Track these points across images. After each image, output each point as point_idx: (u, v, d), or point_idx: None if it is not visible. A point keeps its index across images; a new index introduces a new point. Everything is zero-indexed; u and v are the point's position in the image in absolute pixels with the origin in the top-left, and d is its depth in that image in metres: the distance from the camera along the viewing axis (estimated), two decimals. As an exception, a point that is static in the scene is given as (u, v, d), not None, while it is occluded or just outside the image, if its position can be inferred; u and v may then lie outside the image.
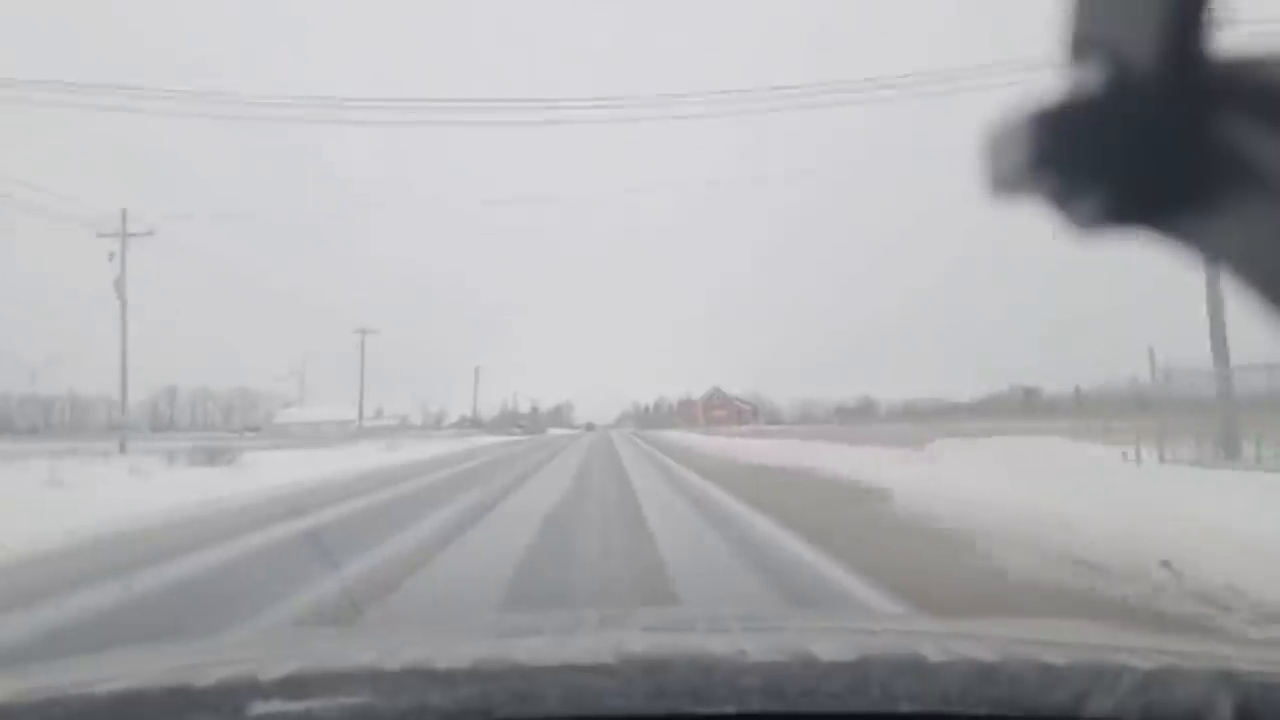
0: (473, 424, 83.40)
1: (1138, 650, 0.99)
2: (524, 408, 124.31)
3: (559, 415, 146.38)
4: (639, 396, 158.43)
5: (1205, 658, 1.00)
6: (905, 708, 0.84)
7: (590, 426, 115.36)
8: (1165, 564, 4.82)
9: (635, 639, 1.08)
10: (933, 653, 0.92)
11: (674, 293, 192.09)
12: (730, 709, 0.86)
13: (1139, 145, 0.34)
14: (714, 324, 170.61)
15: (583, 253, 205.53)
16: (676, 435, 49.40)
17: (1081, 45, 0.35)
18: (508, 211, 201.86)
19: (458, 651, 1.02)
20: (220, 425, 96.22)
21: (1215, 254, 0.34)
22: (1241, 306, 0.32)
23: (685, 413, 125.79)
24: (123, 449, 24.17)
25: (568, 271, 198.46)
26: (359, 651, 1.08)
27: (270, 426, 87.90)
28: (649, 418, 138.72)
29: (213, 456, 15.67)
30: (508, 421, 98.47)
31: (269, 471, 14.63)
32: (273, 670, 0.90)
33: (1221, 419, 11.63)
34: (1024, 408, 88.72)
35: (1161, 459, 11.73)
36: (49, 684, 0.99)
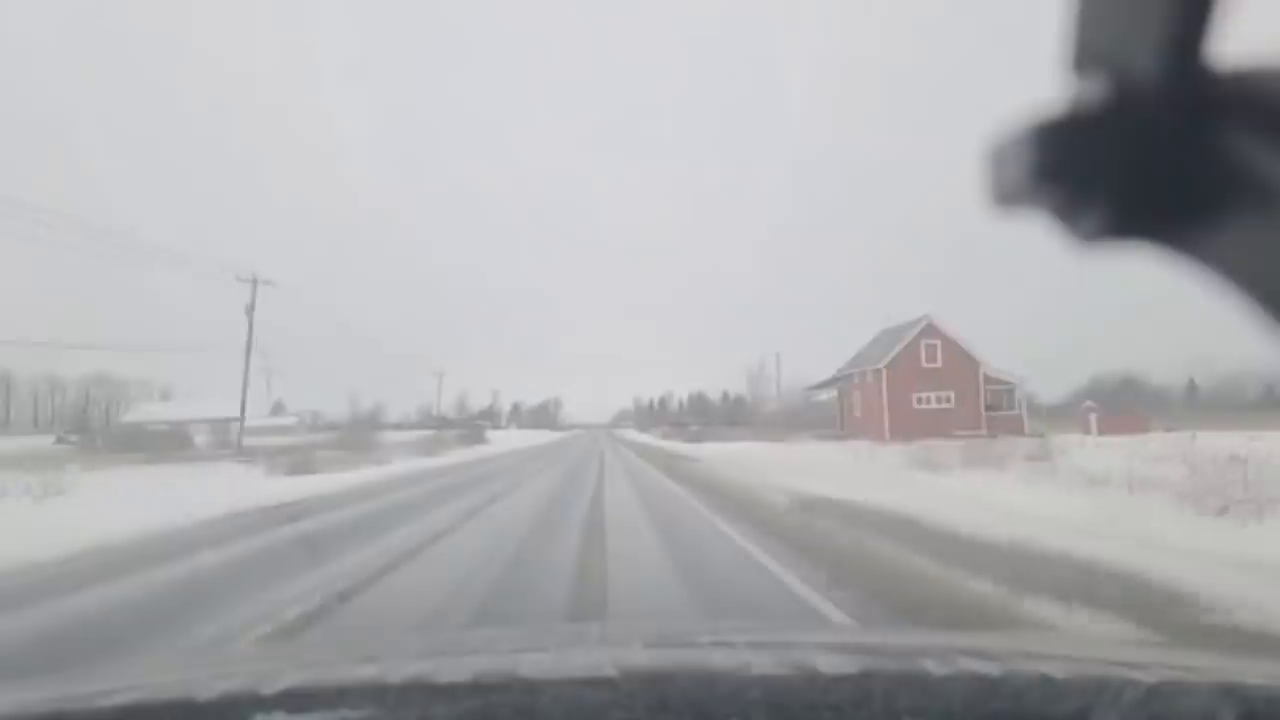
0: (433, 424, 56.29)
1: (1141, 663, 1.03)
2: (504, 405, 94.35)
3: (544, 414, 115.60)
4: (641, 391, 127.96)
5: (1209, 671, 1.03)
6: None
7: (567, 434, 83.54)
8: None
9: (637, 653, 1.10)
10: (935, 666, 0.96)
11: (680, 279, 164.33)
12: None
13: (1142, 159, 0.35)
14: (723, 314, 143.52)
15: (578, 232, 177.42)
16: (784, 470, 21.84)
17: (1084, 58, 0.36)
18: (497, 189, 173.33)
19: (460, 665, 1.04)
20: (68, 421, 65.95)
21: (1218, 267, 0.35)
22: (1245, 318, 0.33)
23: (702, 410, 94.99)
24: None
25: (563, 255, 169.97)
26: (361, 664, 1.10)
27: (117, 426, 65.62)
28: (655, 418, 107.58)
29: None
30: (462, 423, 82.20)
31: None
32: (275, 683, 0.94)
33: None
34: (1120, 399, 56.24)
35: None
36: (52, 696, 1.02)
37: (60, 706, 0.94)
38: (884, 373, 38.93)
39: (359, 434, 37.21)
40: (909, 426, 35.59)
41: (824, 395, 53.58)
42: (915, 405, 38.56)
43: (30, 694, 1.00)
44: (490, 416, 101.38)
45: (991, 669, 0.95)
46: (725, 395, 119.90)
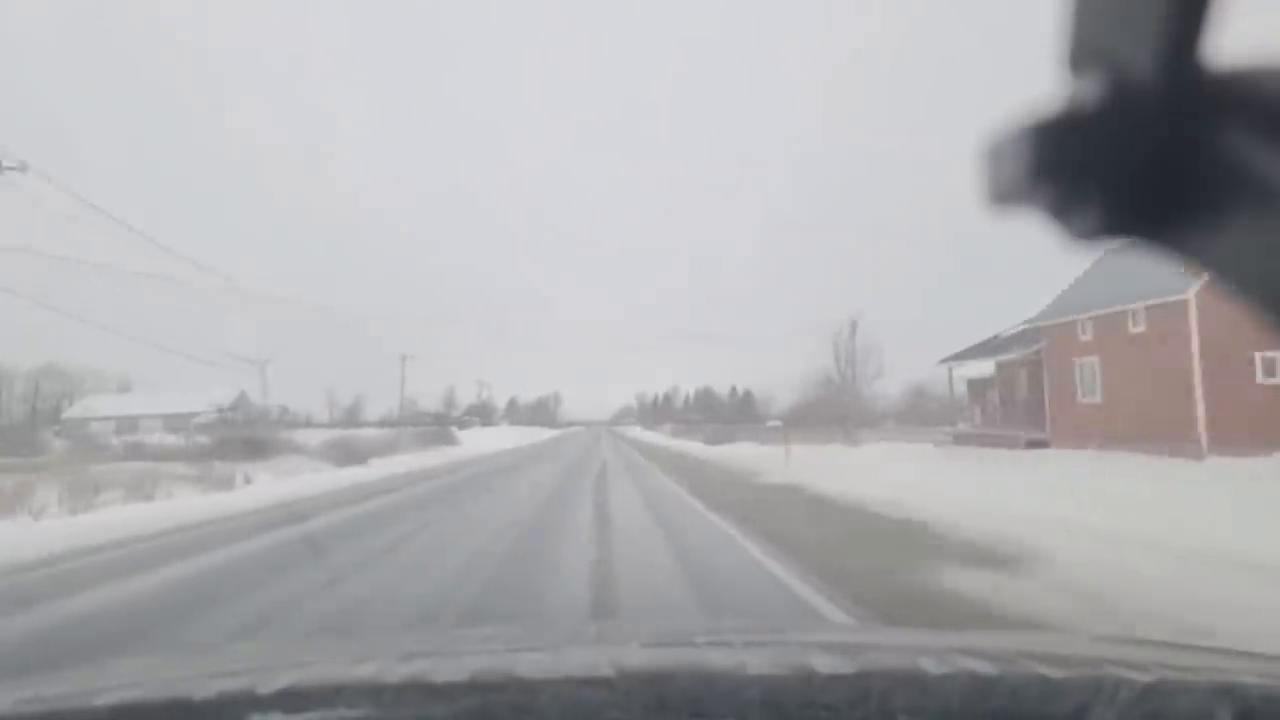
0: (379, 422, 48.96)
1: (1137, 663, 1.04)
2: (499, 400, 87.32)
3: (543, 410, 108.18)
4: (644, 387, 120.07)
5: (1205, 670, 1.04)
6: None
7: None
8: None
9: (634, 652, 1.10)
10: (932, 666, 0.97)
11: (681, 276, 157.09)
12: None
13: (1137, 157, 0.35)
14: (728, 310, 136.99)
15: (577, 229, 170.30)
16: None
17: (1080, 57, 0.37)
18: (494, 185, 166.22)
19: (457, 664, 1.04)
20: (13, 416, 58.80)
21: (1214, 265, 0.36)
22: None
23: (708, 406, 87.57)
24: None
25: (562, 252, 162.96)
26: (358, 663, 1.10)
27: (61, 424, 57.84)
28: (658, 414, 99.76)
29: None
30: (433, 420, 73.05)
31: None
32: (271, 682, 0.95)
33: None
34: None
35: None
36: (48, 695, 1.03)
37: (56, 705, 0.95)
38: (1191, 308, 18.63)
39: (252, 433, 28.67)
40: (1248, 419, 17.23)
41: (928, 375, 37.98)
42: (1259, 377, 18.54)
43: (25, 693, 1.01)
44: (481, 412, 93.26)
45: (988, 668, 0.96)
46: (733, 390, 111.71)
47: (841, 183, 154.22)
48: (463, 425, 72.51)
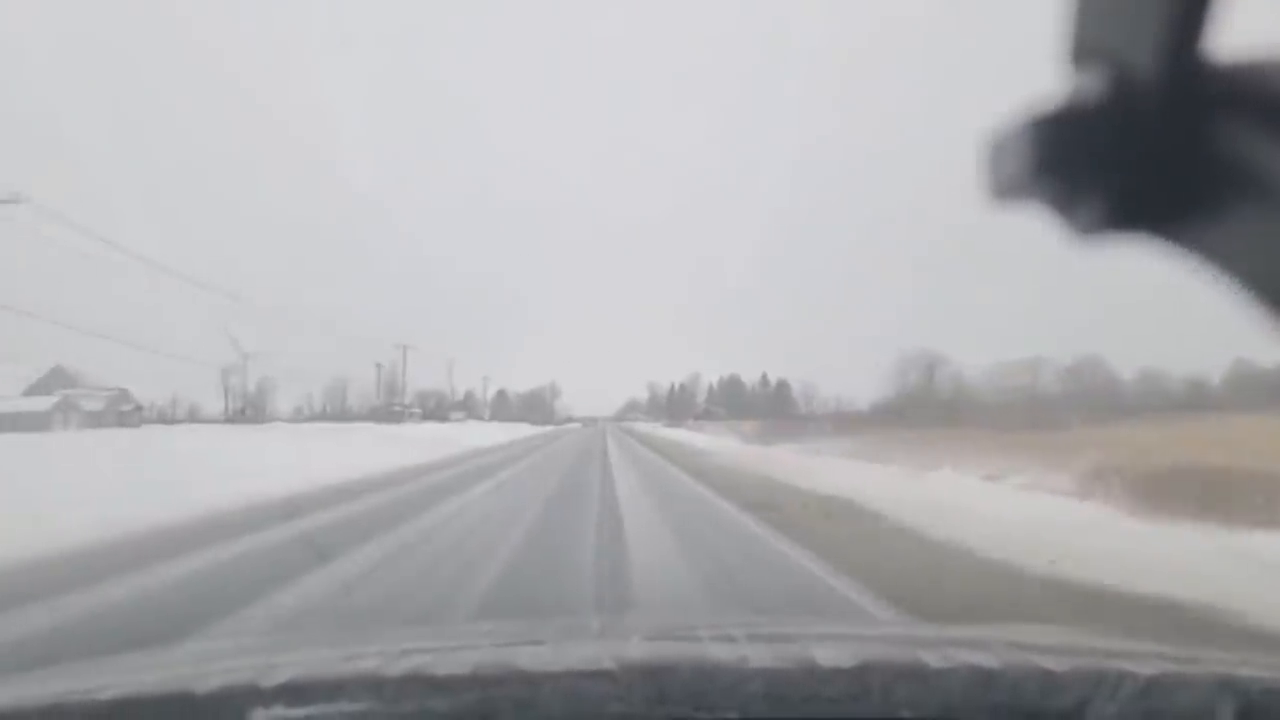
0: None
1: (1139, 657, 1.06)
2: (485, 391, 68.04)
3: (538, 402, 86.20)
4: (657, 377, 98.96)
5: (1206, 664, 1.05)
6: (906, 714, 0.91)
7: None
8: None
9: (636, 646, 1.11)
10: (933, 659, 0.99)
11: (689, 268, 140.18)
12: (732, 715, 0.91)
13: (1140, 151, 0.36)
14: (741, 300, 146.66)
15: (582, 218, 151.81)
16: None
17: (1083, 51, 0.37)
18: (492, 174, 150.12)
19: (458, 658, 1.05)
20: None
21: (1216, 260, 0.36)
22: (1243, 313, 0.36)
23: (736, 398, 67.42)
24: None
25: (562, 240, 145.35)
26: (359, 658, 1.10)
27: None
28: (675, 408, 77.56)
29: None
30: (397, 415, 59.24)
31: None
32: (273, 676, 0.97)
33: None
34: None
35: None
36: (50, 689, 1.04)
37: (59, 700, 0.95)
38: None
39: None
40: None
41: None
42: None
43: (29, 688, 1.03)
44: (441, 404, 72.96)
45: (989, 661, 0.97)
46: (764, 379, 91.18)
47: (848, 174, 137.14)
48: (398, 419, 52.40)
